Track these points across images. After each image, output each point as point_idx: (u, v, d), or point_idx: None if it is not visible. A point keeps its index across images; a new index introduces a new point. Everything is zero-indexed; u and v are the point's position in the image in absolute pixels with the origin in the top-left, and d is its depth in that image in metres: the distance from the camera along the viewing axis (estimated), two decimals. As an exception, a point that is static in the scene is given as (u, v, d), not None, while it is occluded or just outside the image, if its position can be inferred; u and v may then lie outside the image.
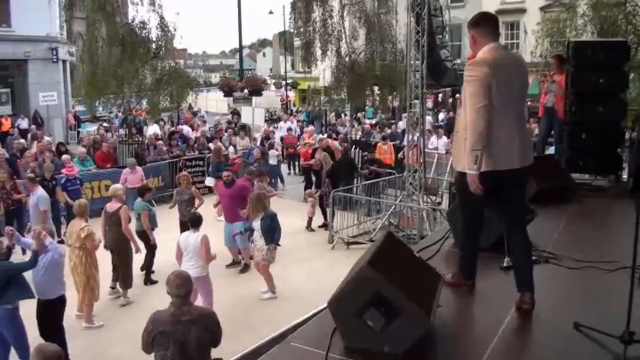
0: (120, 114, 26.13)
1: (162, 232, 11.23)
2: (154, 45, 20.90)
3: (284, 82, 47.01)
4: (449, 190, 13.42)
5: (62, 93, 27.33)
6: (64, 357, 4.82)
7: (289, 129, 23.61)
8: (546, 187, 6.75)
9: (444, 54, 14.82)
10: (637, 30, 17.76)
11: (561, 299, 4.46)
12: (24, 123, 24.54)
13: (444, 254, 5.06)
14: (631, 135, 8.62)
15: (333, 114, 31.08)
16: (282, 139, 22.83)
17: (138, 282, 10.70)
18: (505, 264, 4.72)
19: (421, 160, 13.99)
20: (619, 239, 5.87)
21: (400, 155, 17.85)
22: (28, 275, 7.39)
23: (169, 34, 21.21)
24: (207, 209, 12.29)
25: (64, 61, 28.11)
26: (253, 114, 23.18)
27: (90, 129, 25.91)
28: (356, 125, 27.43)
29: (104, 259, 9.77)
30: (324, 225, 14.50)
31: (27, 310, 7.41)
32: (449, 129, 20.18)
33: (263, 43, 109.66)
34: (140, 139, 20.76)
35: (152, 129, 22.55)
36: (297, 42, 34.32)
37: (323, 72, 28.39)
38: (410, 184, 14.02)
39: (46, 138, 18.77)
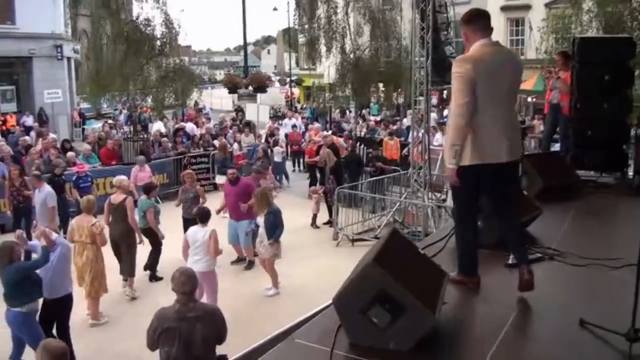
0: (125, 111, 26.19)
1: (166, 229, 11.23)
2: (158, 43, 20.98)
3: (288, 79, 46.95)
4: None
5: (67, 90, 27.35)
6: (69, 353, 4.83)
7: (294, 126, 23.63)
8: (552, 184, 6.74)
9: (449, 51, 14.74)
10: (642, 26, 17.69)
11: (566, 296, 4.46)
12: (29, 120, 24.61)
13: (449, 251, 5.05)
14: (637, 132, 8.60)
15: (338, 110, 31.06)
16: (286, 135, 22.83)
17: (143, 279, 10.73)
18: (510, 261, 4.71)
19: (426, 157, 13.98)
20: (624, 236, 5.86)
21: (404, 152, 17.86)
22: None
23: (174, 31, 21.29)
24: (211, 207, 12.30)
25: (68, 58, 28.14)
26: (258, 111, 23.17)
27: (95, 126, 25.94)
28: (361, 122, 27.40)
29: (106, 252, 9.75)
30: (329, 222, 14.50)
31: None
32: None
33: (267, 40, 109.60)
34: (145, 135, 20.80)
35: (157, 126, 22.58)
36: (301, 39, 34.22)
37: (327, 69, 28.44)
38: (415, 180, 14.02)
39: (51, 135, 18.83)
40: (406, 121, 23.16)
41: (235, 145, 19.23)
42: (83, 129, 27.80)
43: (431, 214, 13.27)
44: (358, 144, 19.65)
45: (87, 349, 8.01)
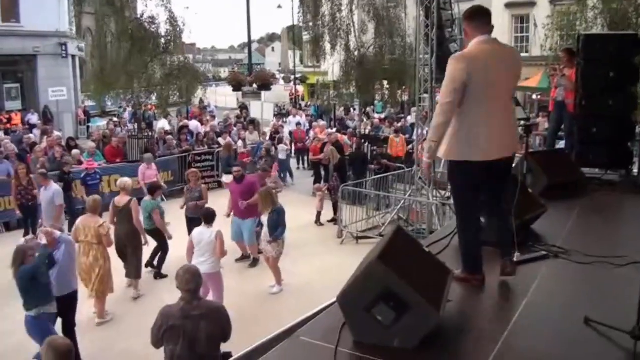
0: (129, 109, 26.23)
1: (170, 228, 11.26)
2: (163, 40, 21.03)
3: (292, 77, 46.93)
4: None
5: (72, 88, 27.40)
6: (74, 350, 4.84)
7: (298, 124, 23.62)
8: (556, 182, 6.72)
9: (454, 48, 14.68)
10: (647, 23, 17.62)
11: (571, 294, 4.45)
12: (34, 118, 24.69)
13: (453, 248, 5.03)
14: (642, 129, 8.57)
15: (342, 108, 31.04)
16: (291, 133, 22.83)
17: (148, 277, 10.75)
18: (515, 259, 4.71)
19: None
20: (629, 233, 5.85)
21: (409, 148, 17.84)
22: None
23: (178, 29, 21.35)
24: (217, 204, 12.30)
25: (73, 56, 28.19)
26: (262, 109, 23.19)
27: (99, 124, 26.02)
28: (365, 120, 27.38)
29: (111, 253, 9.78)
30: (333, 220, 14.50)
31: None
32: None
33: (272, 37, 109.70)
34: (150, 133, 20.84)
35: (161, 124, 22.61)
36: (306, 37, 34.26)
37: (332, 66, 28.41)
38: (420, 178, 14.00)
39: (56, 133, 18.88)
40: (410, 119, 23.12)
41: (240, 143, 19.25)
42: (88, 127, 27.89)
43: (436, 211, 13.27)
44: (362, 141, 19.65)
45: (92, 347, 8.04)
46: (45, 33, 25.92)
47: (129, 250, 10.10)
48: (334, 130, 21.10)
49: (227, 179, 15.62)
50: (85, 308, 9.09)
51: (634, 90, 8.16)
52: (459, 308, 4.03)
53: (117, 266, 10.06)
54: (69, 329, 7.67)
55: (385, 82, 27.87)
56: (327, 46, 25.78)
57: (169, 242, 10.93)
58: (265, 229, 10.16)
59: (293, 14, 43.14)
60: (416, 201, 14.04)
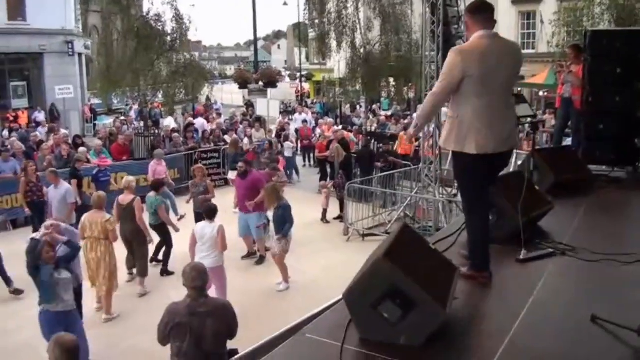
0: (136, 107, 26.30)
1: (180, 223, 11.29)
2: (169, 38, 21.05)
3: (298, 74, 46.95)
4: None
5: (78, 86, 27.50)
6: (79, 347, 4.85)
7: (304, 121, 23.62)
8: (563, 179, 6.69)
9: (460, 45, 14.68)
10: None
11: (578, 292, 4.43)
12: (40, 116, 24.77)
13: (460, 246, 5.03)
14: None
15: (348, 105, 31.03)
16: (297, 130, 22.84)
17: (154, 274, 10.78)
18: (522, 257, 4.70)
19: (437, 152, 13.93)
20: (636, 231, 5.82)
21: (415, 145, 17.81)
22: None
23: (184, 27, 21.37)
24: (224, 200, 12.34)
25: (79, 54, 28.29)
26: (268, 106, 23.19)
27: (106, 122, 26.08)
28: (371, 117, 27.36)
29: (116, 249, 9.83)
30: (339, 217, 14.50)
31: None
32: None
33: (278, 35, 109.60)
34: (156, 131, 20.88)
35: (167, 122, 22.65)
36: (311, 34, 34.26)
37: (338, 63, 28.39)
38: (426, 175, 13.98)
39: (62, 131, 18.93)
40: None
41: (246, 140, 19.26)
42: (94, 125, 27.97)
43: (442, 209, 13.25)
44: (369, 139, 19.63)
45: (98, 343, 8.04)
46: (51, 31, 26.02)
47: (134, 247, 10.23)
48: (340, 127, 21.11)
49: (233, 175, 15.67)
50: (90, 303, 9.15)
51: (641, 87, 8.12)
52: (466, 306, 4.02)
53: (120, 265, 10.12)
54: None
55: (391, 79, 27.85)
56: (333, 43, 25.76)
57: (176, 236, 10.97)
58: (272, 225, 10.19)
59: (299, 11, 43.38)
60: (422, 198, 14.02)
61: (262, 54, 68.42)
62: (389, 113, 28.19)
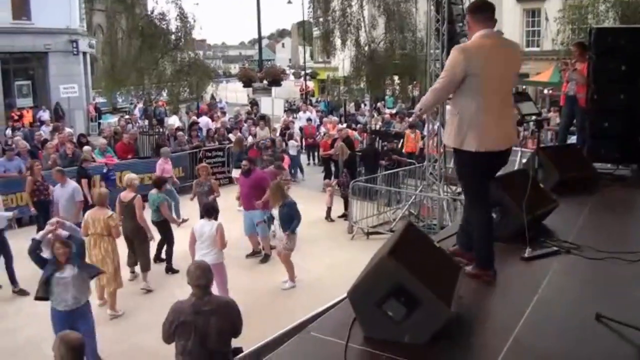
0: (140, 105, 26.33)
1: (186, 224, 11.31)
2: (173, 37, 21.06)
3: (303, 72, 46.92)
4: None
5: (83, 85, 27.55)
6: (84, 344, 4.87)
7: (309, 119, 23.61)
8: (568, 177, 6.68)
9: (464, 42, 14.66)
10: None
11: (583, 290, 4.43)
12: (45, 115, 24.82)
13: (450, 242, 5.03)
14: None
15: (352, 104, 30.99)
16: (301, 129, 22.83)
17: (159, 272, 10.80)
18: (526, 255, 4.69)
19: (441, 150, 13.92)
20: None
21: (420, 144, 17.82)
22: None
23: (188, 25, 21.37)
24: (228, 199, 12.36)
25: (84, 53, 28.32)
26: (272, 105, 23.23)
27: (110, 121, 26.11)
28: (376, 115, 27.34)
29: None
30: (344, 216, 14.49)
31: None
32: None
33: (282, 33, 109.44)
34: (161, 129, 20.90)
35: (172, 120, 22.67)
36: (316, 32, 34.20)
37: (342, 61, 28.37)
38: (431, 173, 13.98)
39: (67, 130, 18.96)
40: (421, 114, 23.03)
41: (250, 139, 19.27)
42: (99, 124, 28.03)
43: (446, 207, 13.24)
44: (374, 137, 19.62)
45: (103, 340, 8.05)
46: (56, 30, 26.05)
47: (136, 244, 10.27)
48: (344, 125, 21.09)
49: (237, 173, 15.69)
50: (94, 302, 9.14)
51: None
52: (470, 304, 4.02)
53: (121, 263, 10.14)
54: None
55: (395, 77, 27.80)
56: (338, 41, 25.71)
57: (178, 234, 10.98)
58: (277, 223, 10.20)
59: (303, 10, 43.14)
60: (427, 197, 14.01)
61: (266, 52, 68.48)
62: (394, 111, 28.16)
